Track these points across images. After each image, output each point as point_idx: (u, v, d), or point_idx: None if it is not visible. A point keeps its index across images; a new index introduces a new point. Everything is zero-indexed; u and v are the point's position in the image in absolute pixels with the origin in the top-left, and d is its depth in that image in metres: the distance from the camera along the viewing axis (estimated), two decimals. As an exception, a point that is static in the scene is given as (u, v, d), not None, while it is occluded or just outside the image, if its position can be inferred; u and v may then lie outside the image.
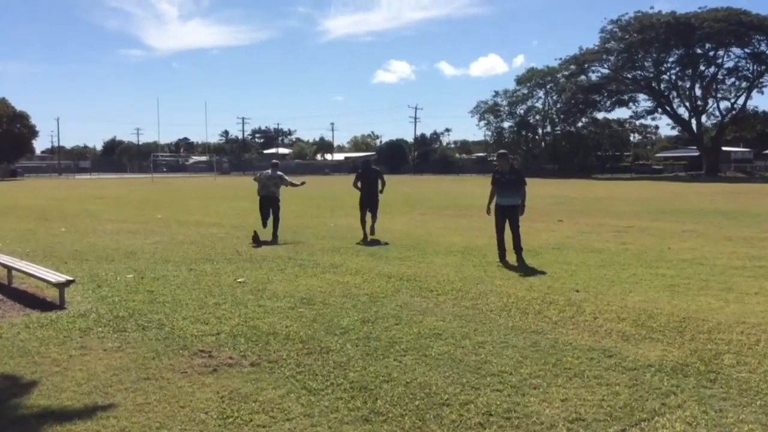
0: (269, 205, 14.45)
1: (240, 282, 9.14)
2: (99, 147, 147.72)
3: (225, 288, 8.73)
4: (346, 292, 8.36)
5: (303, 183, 15.69)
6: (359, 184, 14.62)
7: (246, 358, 5.67)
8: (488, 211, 11.59)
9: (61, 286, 7.88)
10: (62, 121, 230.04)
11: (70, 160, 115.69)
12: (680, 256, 11.40)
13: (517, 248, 10.92)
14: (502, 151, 12.15)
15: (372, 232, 14.23)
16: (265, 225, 14.42)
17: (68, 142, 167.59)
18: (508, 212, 10.99)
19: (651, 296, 8.03)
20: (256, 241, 13.18)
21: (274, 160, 15.68)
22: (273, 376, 5.21)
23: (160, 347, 6.02)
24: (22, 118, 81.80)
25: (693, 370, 5.25)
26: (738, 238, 13.95)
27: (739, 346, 5.87)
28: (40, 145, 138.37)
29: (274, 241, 13.78)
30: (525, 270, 10.07)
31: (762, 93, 76.44)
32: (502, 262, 10.80)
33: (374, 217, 14.50)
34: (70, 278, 8.08)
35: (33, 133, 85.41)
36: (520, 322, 6.79)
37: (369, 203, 14.43)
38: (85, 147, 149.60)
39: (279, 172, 14.68)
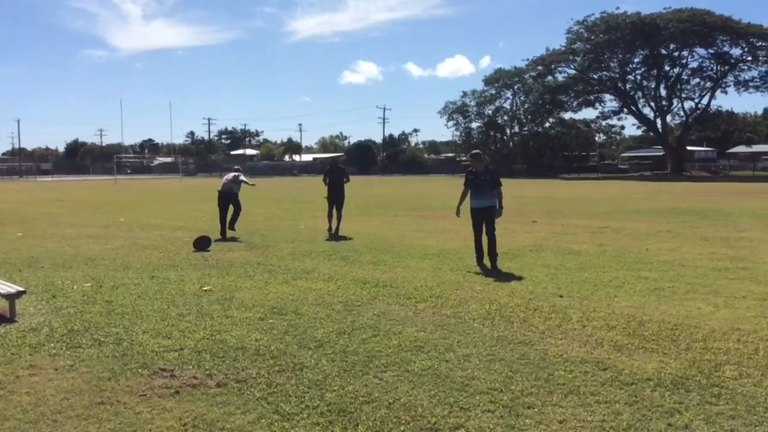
0: (228, 200, 15.10)
1: (206, 290, 8.61)
2: (61, 149, 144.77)
3: (189, 297, 8.20)
4: (320, 300, 7.90)
5: (254, 185, 16.69)
6: (327, 180, 15.82)
7: (212, 378, 5.18)
8: (458, 213, 11.16)
9: (11, 298, 7.29)
10: (23, 122, 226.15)
11: (32, 162, 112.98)
12: (660, 257, 11.15)
13: (492, 254, 10.41)
14: (475, 151, 11.67)
15: (336, 232, 15.04)
16: (223, 235, 14.60)
17: (29, 144, 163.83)
18: (484, 214, 10.57)
19: (637, 301, 7.71)
20: (200, 247, 12.63)
21: (236, 166, 16.99)
22: (241, 399, 4.73)
23: (116, 366, 5.50)
24: (-20, 119, 79.56)
25: (694, 384, 4.90)
26: (714, 238, 13.79)
27: (738, 356, 5.54)
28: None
29: (231, 228, 14.85)
30: (505, 274, 9.69)
31: (726, 93, 77.62)
32: (480, 265, 10.41)
33: (339, 216, 15.43)
34: (21, 289, 7.49)
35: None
36: (506, 331, 6.39)
37: (336, 199, 15.53)
38: (47, 149, 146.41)
39: (239, 175, 15.59)
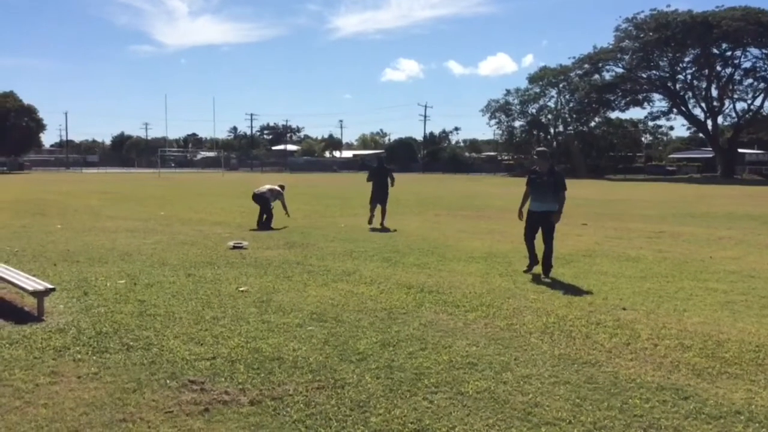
0: (259, 202, 15.66)
1: (242, 291, 8.18)
2: (108, 141, 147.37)
3: (225, 298, 7.77)
4: (362, 306, 7.39)
5: (287, 215, 16.55)
6: (371, 180, 16.27)
7: (245, 393, 4.70)
8: (520, 216, 10.42)
9: (40, 295, 6.94)
10: (71, 115, 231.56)
11: (79, 154, 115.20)
12: (725, 266, 10.38)
13: (546, 264, 9.54)
14: (541, 148, 10.77)
15: (382, 227, 15.49)
16: (259, 225, 15.43)
17: (77, 137, 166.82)
18: (541, 219, 9.73)
19: (710, 317, 7.02)
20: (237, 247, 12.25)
21: (282, 183, 17.04)
22: (276, 420, 4.24)
23: (143, 375, 5.06)
24: (29, 111, 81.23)
25: (793, 420, 4.26)
26: (781, 246, 12.91)
27: (838, 387, 4.86)
28: (48, 139, 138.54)
29: (267, 228, 15.17)
30: (559, 282, 9.04)
31: (780, 94, 74.81)
32: (530, 270, 9.76)
33: (383, 211, 16.01)
34: (50, 286, 7.12)
35: (40, 126, 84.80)
36: (568, 349, 5.79)
37: (379, 198, 16.04)
38: (94, 141, 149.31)
39: (282, 193, 16.13)
